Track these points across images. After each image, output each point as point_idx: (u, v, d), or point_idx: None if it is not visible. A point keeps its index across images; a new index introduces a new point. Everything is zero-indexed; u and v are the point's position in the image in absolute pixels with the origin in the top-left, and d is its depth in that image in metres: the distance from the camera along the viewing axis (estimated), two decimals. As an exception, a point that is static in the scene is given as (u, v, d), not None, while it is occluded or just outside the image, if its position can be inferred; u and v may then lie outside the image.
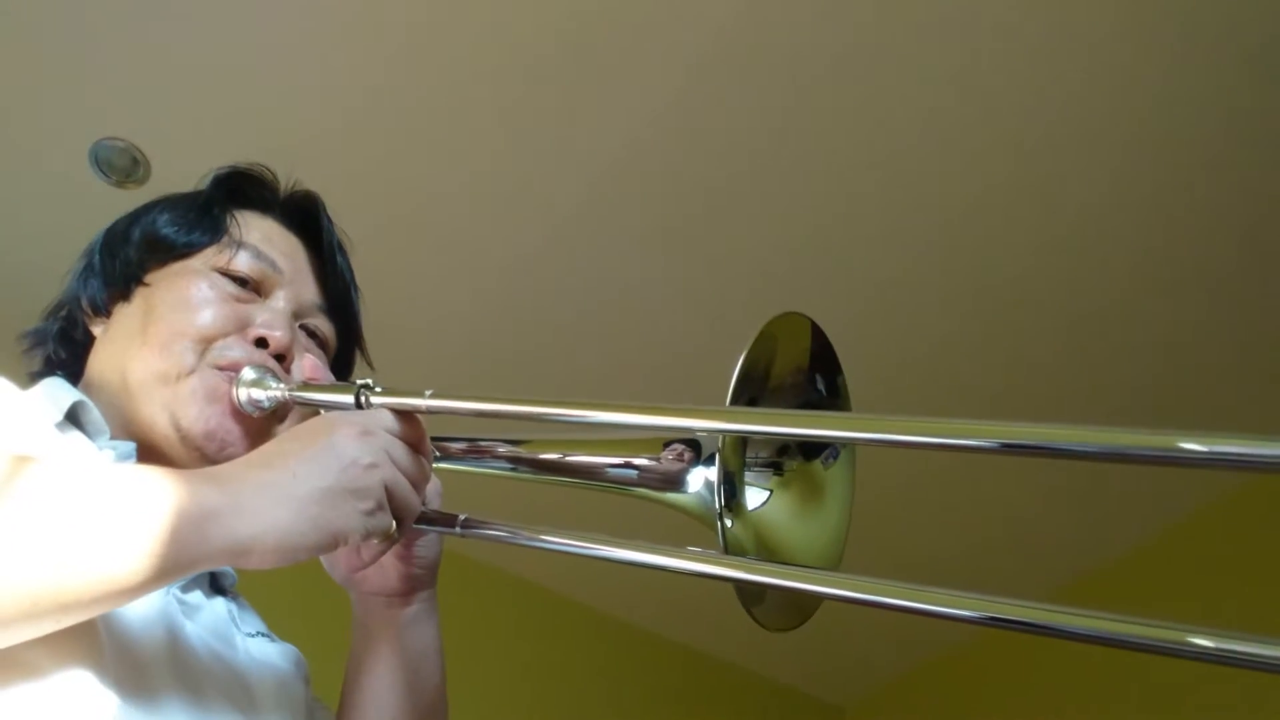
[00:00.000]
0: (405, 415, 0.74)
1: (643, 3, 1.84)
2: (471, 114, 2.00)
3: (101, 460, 0.76)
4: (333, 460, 0.67)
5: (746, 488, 0.71)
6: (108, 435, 0.79)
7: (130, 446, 0.79)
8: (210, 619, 0.79)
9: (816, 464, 0.73)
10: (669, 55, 1.91)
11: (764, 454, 0.72)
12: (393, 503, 0.70)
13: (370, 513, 0.68)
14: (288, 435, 0.71)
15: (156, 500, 0.59)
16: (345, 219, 0.99)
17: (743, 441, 0.71)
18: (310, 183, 0.98)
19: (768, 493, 0.72)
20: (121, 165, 2.04)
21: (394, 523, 0.72)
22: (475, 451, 0.85)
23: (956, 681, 3.16)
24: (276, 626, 0.90)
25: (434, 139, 2.04)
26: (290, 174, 0.98)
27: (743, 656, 3.29)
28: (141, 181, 2.07)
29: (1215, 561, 2.61)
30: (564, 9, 1.85)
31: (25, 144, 2.02)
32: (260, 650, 0.83)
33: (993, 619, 0.48)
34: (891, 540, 2.47)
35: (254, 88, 1.96)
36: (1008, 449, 0.50)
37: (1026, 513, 2.73)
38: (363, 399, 0.76)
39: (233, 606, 0.84)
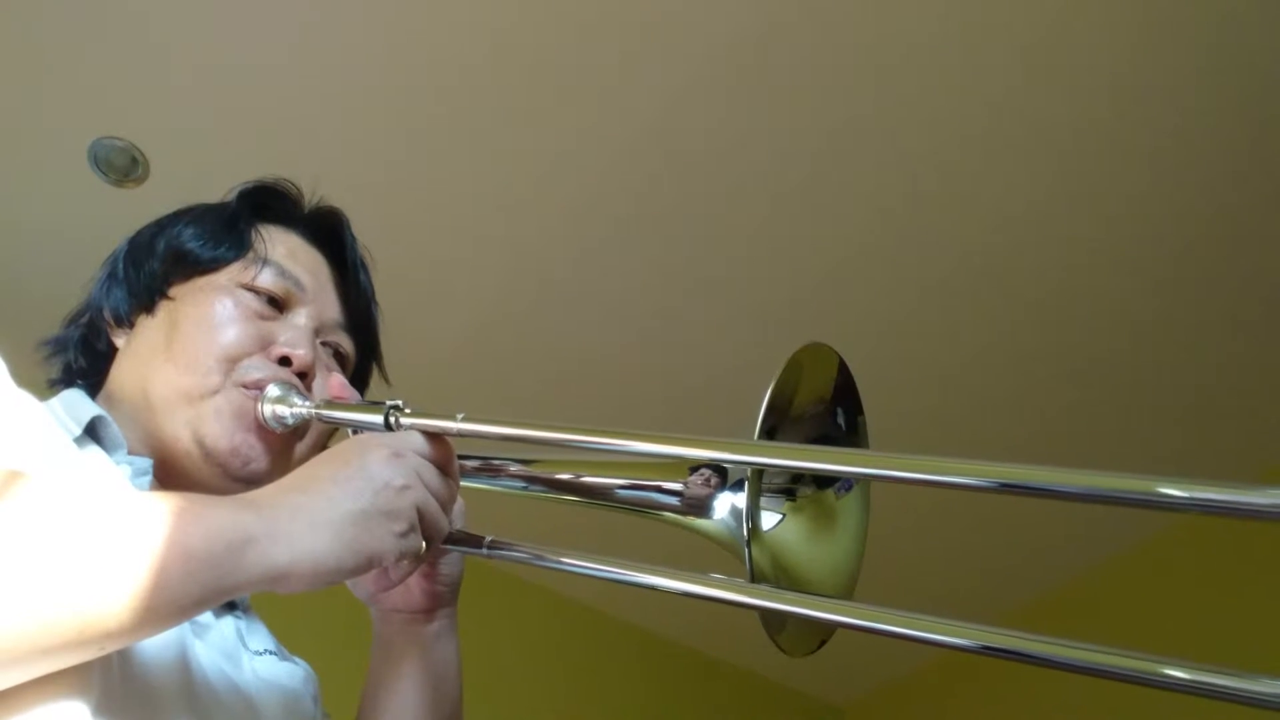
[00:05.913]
0: (434, 437, 0.77)
1: (659, 25, 1.90)
2: (476, 116, 2.05)
3: (118, 476, 0.78)
4: (366, 483, 0.70)
5: (762, 511, 0.75)
6: (125, 450, 0.82)
7: (147, 463, 0.82)
8: (218, 638, 0.81)
9: (829, 493, 0.78)
10: (684, 75, 1.97)
11: (779, 479, 0.77)
12: (423, 524, 0.74)
13: (403, 535, 0.72)
14: (320, 459, 0.74)
15: (195, 526, 0.60)
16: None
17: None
18: (309, 184, 1.01)
19: (780, 516, 0.76)
20: (120, 164, 2.09)
21: (424, 544, 0.75)
22: (491, 469, 0.88)
23: (955, 683, 3.22)
24: (289, 642, 0.92)
25: (436, 140, 2.08)
26: (295, 177, 1.00)
27: (742, 657, 3.36)
28: (140, 181, 2.11)
29: (1163, 588, 2.75)
30: (576, 19, 1.90)
31: (24, 142, 2.07)
32: (268, 670, 0.85)
33: (986, 648, 0.56)
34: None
35: (254, 88, 2.00)
36: (1005, 488, 0.57)
37: (982, 536, 2.87)
38: (392, 420, 0.79)
39: (241, 624, 0.85)
